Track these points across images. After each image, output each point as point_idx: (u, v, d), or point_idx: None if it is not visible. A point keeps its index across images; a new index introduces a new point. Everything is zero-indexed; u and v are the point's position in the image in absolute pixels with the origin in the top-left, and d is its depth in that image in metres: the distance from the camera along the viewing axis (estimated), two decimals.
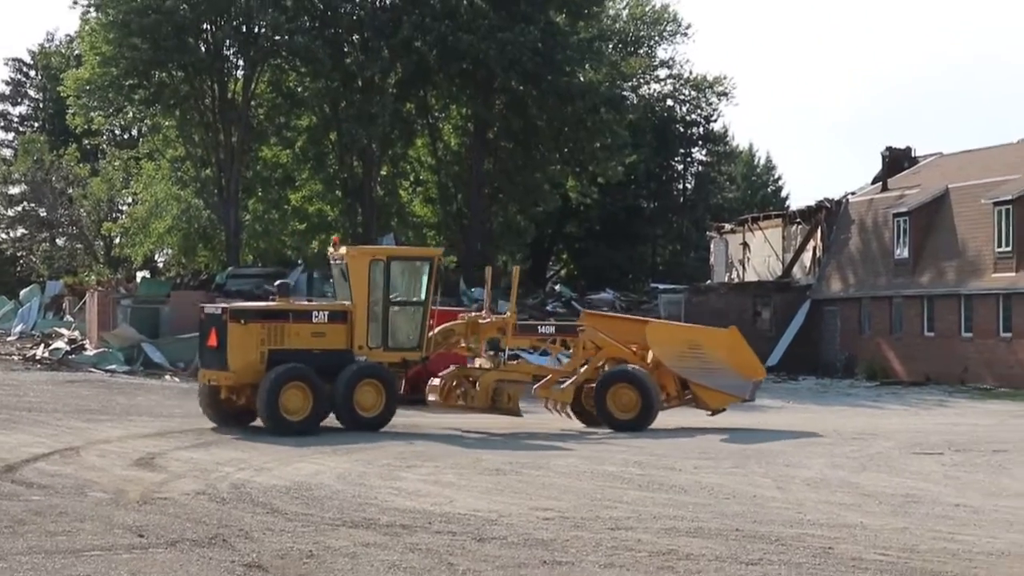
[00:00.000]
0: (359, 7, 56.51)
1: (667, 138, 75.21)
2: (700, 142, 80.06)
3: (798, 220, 59.92)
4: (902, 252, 50.97)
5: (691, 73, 76.88)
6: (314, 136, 59.46)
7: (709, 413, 28.70)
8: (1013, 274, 45.03)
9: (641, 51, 73.41)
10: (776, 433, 26.76)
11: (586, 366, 28.05)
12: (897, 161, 57.77)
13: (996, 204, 46.10)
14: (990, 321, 46.06)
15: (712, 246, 68.45)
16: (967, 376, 46.23)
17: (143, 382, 39.47)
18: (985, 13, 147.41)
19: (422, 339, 26.56)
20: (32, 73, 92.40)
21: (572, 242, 76.17)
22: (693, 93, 77.13)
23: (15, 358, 45.76)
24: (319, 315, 26.07)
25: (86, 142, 74.67)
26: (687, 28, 74.43)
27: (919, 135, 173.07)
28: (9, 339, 54.51)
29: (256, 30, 55.25)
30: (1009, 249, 45.44)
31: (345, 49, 57.43)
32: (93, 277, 68.39)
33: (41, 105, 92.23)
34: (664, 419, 27.69)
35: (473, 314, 29.02)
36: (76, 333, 51.51)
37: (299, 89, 58.31)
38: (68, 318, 57.16)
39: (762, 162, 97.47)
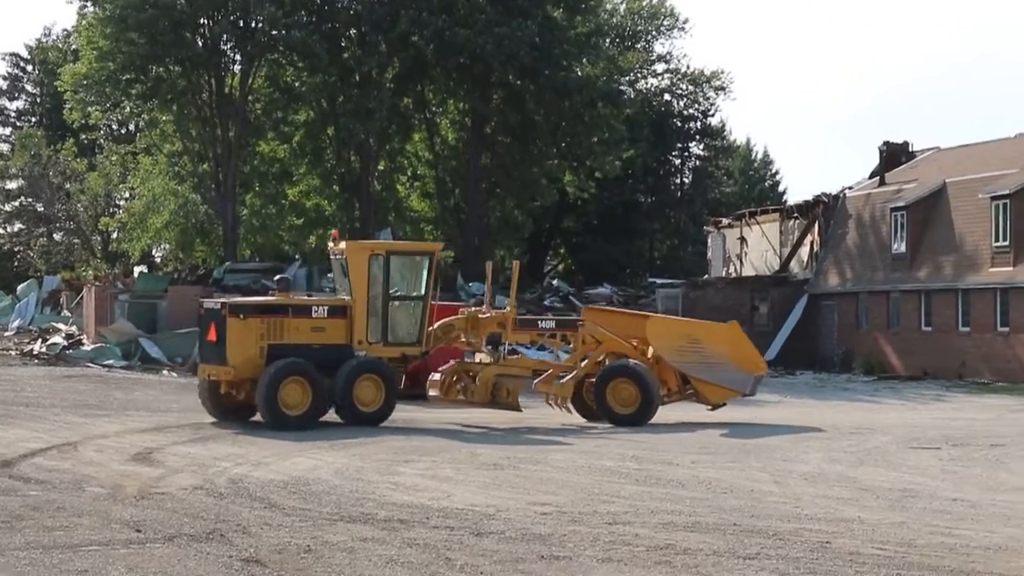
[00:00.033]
0: (356, 2, 56.41)
1: (664, 133, 75.21)
2: (697, 137, 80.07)
3: (795, 215, 59.93)
4: (899, 247, 50.98)
5: (688, 68, 76.98)
6: (311, 131, 59.45)
7: (709, 408, 28.71)
8: (1010, 268, 45.03)
9: (638, 46, 73.40)
10: (774, 428, 26.77)
11: (586, 361, 28.06)
12: (894, 155, 57.79)
13: (993, 198, 46.11)
14: (987, 315, 46.08)
15: (709, 241, 68.46)
16: (964, 370, 46.26)
17: (140, 377, 39.46)
18: (982, 9, 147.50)
19: (422, 334, 26.57)
20: (29, 68, 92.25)
21: (569, 237, 76.17)
22: (690, 88, 77.15)
23: (12, 353, 45.73)
24: (319, 310, 26.07)
25: (83, 137, 74.56)
26: (684, 23, 74.39)
27: (916, 130, 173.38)
28: (6, 334, 54.45)
29: (253, 25, 55.18)
30: (1006, 243, 45.45)
31: (342, 44, 57.42)
32: (90, 272, 68.37)
33: (38, 100, 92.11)
34: (664, 414, 27.70)
35: (473, 309, 29.04)
36: (73, 328, 51.49)
37: (296, 84, 58.30)
38: (65, 313, 57.11)
39: (759, 157, 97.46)
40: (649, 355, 28.18)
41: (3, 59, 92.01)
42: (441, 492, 16.63)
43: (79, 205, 76.62)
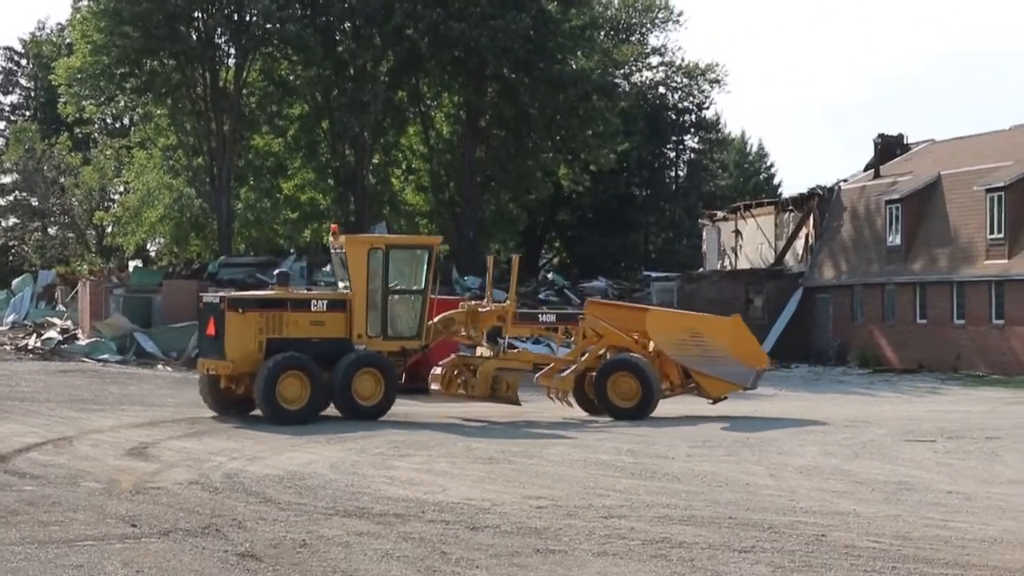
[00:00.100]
0: None
1: (659, 126, 75.23)
2: (692, 130, 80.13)
3: (790, 207, 59.95)
4: (894, 239, 51.01)
5: (683, 60, 77.10)
6: (306, 124, 59.41)
7: (710, 401, 28.69)
8: (1005, 261, 45.07)
9: (633, 38, 73.40)
10: (771, 421, 26.73)
11: (587, 354, 28.05)
12: (889, 148, 57.81)
13: (988, 191, 46.13)
14: (982, 308, 46.12)
15: (704, 234, 68.47)
16: (959, 363, 46.29)
17: (136, 371, 39.45)
18: (977, 1, 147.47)
19: (421, 328, 26.53)
20: (23, 62, 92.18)
21: (564, 230, 76.17)
22: (685, 80, 77.19)
23: (7, 348, 45.73)
24: (318, 304, 26.04)
25: (78, 131, 74.59)
26: (679, 15, 74.69)
27: (911, 122, 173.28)
28: (1, 329, 54.46)
29: (247, 18, 55.14)
30: (1001, 236, 45.48)
31: (337, 37, 57.38)
32: (85, 266, 68.41)
33: (33, 94, 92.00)
34: (666, 407, 27.69)
35: (473, 303, 29.03)
36: (68, 323, 51.44)
37: (291, 77, 58.24)
38: (60, 307, 57.10)
39: (754, 149, 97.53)
40: (650, 349, 28.15)
41: None
42: (436, 486, 16.63)
43: (74, 199, 76.60)
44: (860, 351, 50.58)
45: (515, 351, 29.38)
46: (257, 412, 25.12)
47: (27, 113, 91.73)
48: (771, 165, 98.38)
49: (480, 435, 23.35)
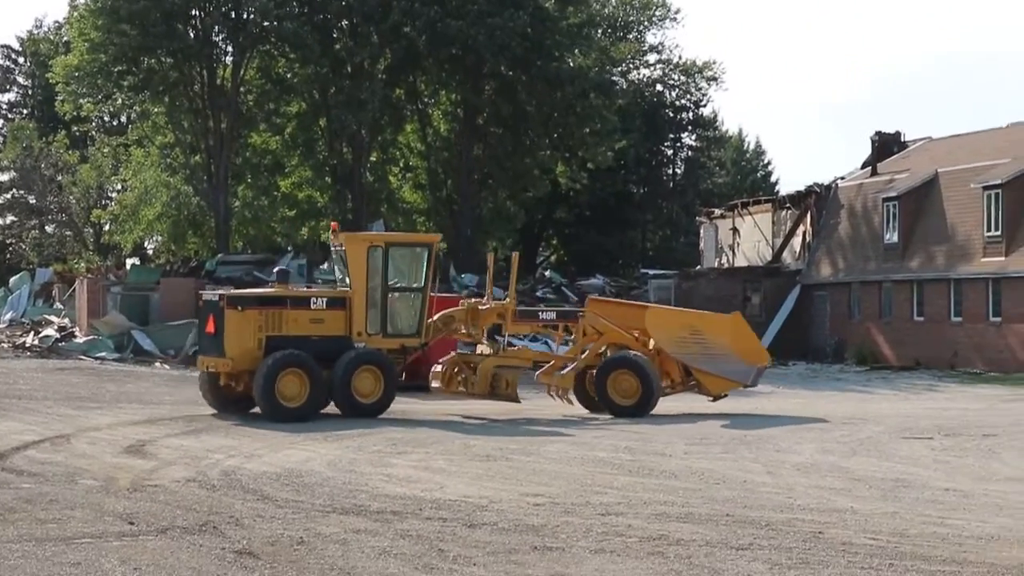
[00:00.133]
0: None
1: (657, 123, 75.20)
2: (690, 127, 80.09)
3: (788, 205, 59.95)
4: (891, 237, 51.03)
5: (680, 58, 77.03)
6: (303, 122, 59.41)
7: (711, 399, 28.69)
8: (1002, 258, 45.09)
9: (630, 36, 73.40)
10: (769, 418, 26.74)
11: (587, 352, 28.05)
12: (886, 146, 57.81)
13: (985, 188, 46.15)
14: (979, 305, 46.15)
15: (702, 231, 68.48)
16: (957, 361, 46.32)
17: (133, 369, 39.44)
18: (974, 0, 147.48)
19: (421, 325, 26.53)
20: (21, 60, 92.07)
21: (562, 228, 76.16)
22: (682, 78, 77.16)
23: (5, 346, 45.71)
24: (317, 301, 26.05)
25: (75, 129, 74.48)
26: (676, 13, 74.60)
27: (908, 120, 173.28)
28: None
29: (245, 16, 55.13)
30: (998, 233, 45.51)
31: (334, 35, 57.35)
32: (83, 264, 68.35)
33: (30, 92, 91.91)
34: (665, 405, 27.69)
35: (473, 301, 29.02)
36: (66, 320, 51.41)
37: (288, 75, 58.20)
38: (58, 305, 57.06)
39: (752, 147, 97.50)
40: (651, 346, 28.14)
41: None
42: (434, 483, 16.64)
43: (71, 197, 76.55)
44: (857, 348, 50.60)
45: (515, 348, 29.36)
46: (257, 410, 25.13)
47: (24, 111, 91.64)
48: (768, 163, 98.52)
49: (478, 432, 23.36)
